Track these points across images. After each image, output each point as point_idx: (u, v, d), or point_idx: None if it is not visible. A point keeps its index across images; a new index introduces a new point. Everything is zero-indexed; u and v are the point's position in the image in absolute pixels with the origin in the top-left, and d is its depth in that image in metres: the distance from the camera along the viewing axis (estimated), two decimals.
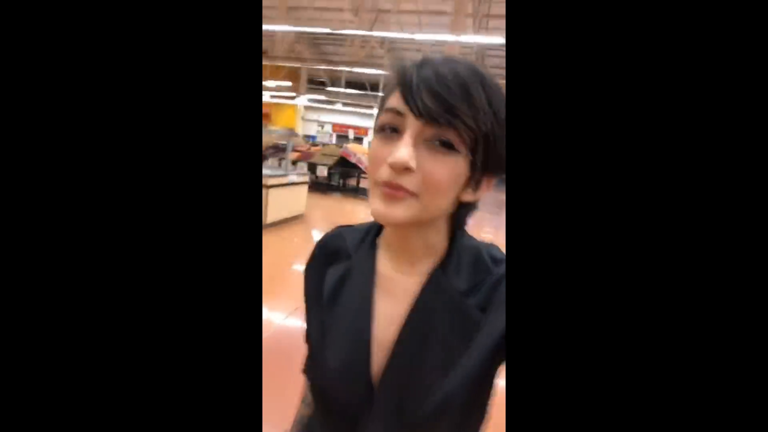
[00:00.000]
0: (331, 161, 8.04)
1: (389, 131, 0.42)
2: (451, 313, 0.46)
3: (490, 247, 0.51)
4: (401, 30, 7.72)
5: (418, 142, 0.41)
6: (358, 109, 13.70)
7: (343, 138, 12.02)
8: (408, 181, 0.41)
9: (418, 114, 0.39)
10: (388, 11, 8.45)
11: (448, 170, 0.41)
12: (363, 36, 8.45)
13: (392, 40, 9.20)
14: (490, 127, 0.41)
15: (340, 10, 8.57)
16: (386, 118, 0.42)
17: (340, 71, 12.72)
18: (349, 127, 12.57)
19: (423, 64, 0.41)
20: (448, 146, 0.41)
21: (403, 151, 0.39)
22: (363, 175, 7.98)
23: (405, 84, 0.40)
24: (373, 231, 0.54)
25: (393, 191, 0.41)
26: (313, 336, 0.51)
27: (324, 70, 13.00)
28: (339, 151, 8.17)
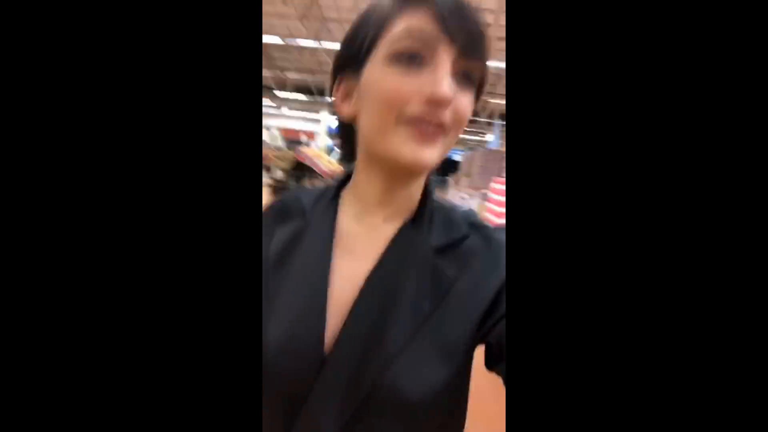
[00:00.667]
0: (286, 164, 8.33)
1: (408, 59, 0.36)
2: (422, 271, 0.41)
3: (463, 208, 0.49)
4: None
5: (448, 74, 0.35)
6: (306, 114, 13.95)
7: (295, 143, 12.30)
8: (445, 117, 0.36)
9: (458, 41, 0.35)
10: (334, 20, 8.82)
11: (471, 106, 0.38)
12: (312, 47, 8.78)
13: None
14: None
15: (288, 17, 8.82)
16: (406, 42, 0.35)
17: (287, 77, 12.97)
18: (299, 132, 12.87)
19: None
20: (468, 81, 0.37)
21: (446, 83, 0.35)
22: (314, 177, 8.36)
23: (437, 5, 0.34)
24: (333, 188, 0.49)
25: (431, 131, 0.36)
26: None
27: (271, 75, 13.13)
28: (293, 155, 8.45)
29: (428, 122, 0.36)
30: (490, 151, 5.96)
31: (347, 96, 0.43)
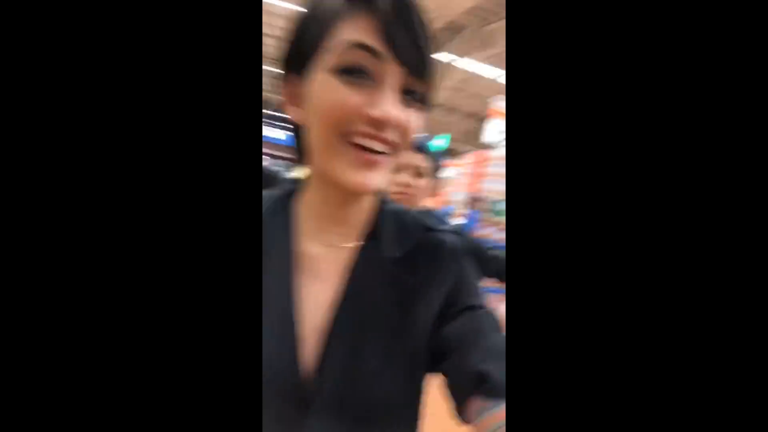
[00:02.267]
0: None
1: (354, 72, 0.35)
2: (385, 284, 0.43)
3: (417, 211, 0.50)
4: None
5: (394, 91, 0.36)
6: None
7: None
8: (390, 135, 0.37)
9: (405, 63, 0.35)
10: None
11: (416, 122, 0.39)
12: None
13: None
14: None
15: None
16: (354, 57, 0.35)
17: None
18: None
19: None
20: (414, 97, 0.38)
21: (391, 104, 0.36)
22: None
23: (384, 15, 0.35)
24: (284, 198, 0.48)
25: (376, 157, 0.37)
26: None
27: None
28: None
29: (372, 144, 0.37)
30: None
31: (295, 98, 0.42)
